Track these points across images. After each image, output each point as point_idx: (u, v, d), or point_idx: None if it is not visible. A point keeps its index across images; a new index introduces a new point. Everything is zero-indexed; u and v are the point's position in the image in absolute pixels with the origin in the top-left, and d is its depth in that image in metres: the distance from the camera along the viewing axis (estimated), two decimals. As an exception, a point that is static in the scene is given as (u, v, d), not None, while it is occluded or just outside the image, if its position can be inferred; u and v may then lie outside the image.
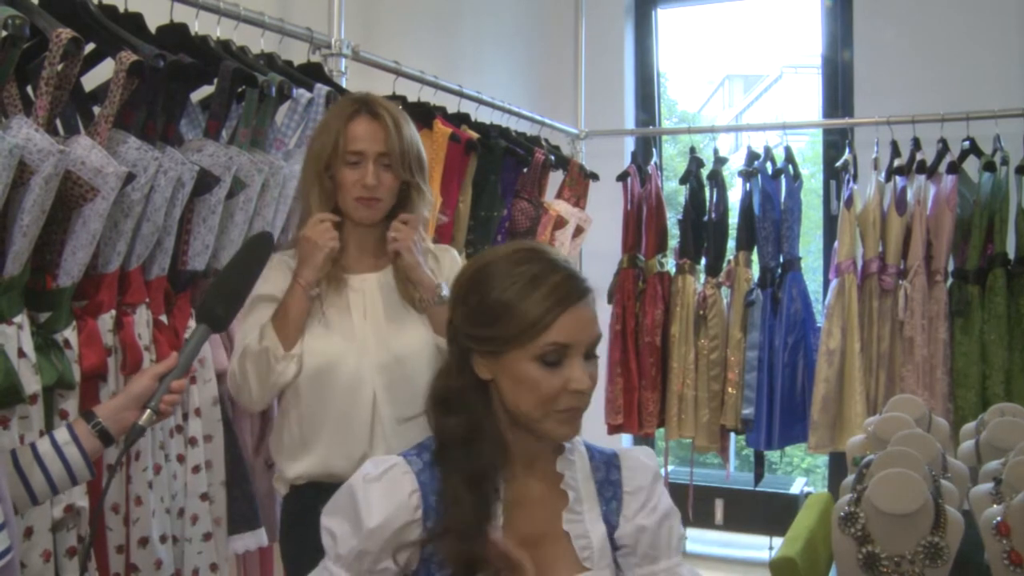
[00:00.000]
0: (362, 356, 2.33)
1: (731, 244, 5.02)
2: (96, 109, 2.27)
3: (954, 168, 4.42)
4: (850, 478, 2.79)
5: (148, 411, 1.75)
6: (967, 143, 4.49)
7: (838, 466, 5.00)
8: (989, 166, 4.34)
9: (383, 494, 1.60)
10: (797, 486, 5.50)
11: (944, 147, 4.51)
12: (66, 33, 2.02)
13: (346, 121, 2.33)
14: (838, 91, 5.20)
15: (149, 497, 2.30)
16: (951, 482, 2.69)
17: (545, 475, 1.69)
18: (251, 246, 1.96)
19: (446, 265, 2.50)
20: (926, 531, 2.37)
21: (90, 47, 2.26)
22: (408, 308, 2.39)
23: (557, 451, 1.71)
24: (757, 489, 5.02)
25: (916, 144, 4.56)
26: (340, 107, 2.39)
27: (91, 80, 2.39)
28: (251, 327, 2.35)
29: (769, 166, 4.88)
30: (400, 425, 2.34)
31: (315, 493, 2.33)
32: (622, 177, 5.19)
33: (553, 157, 4.43)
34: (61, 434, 1.74)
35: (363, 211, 2.36)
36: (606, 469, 1.72)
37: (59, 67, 2.05)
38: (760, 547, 5.28)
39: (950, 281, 4.50)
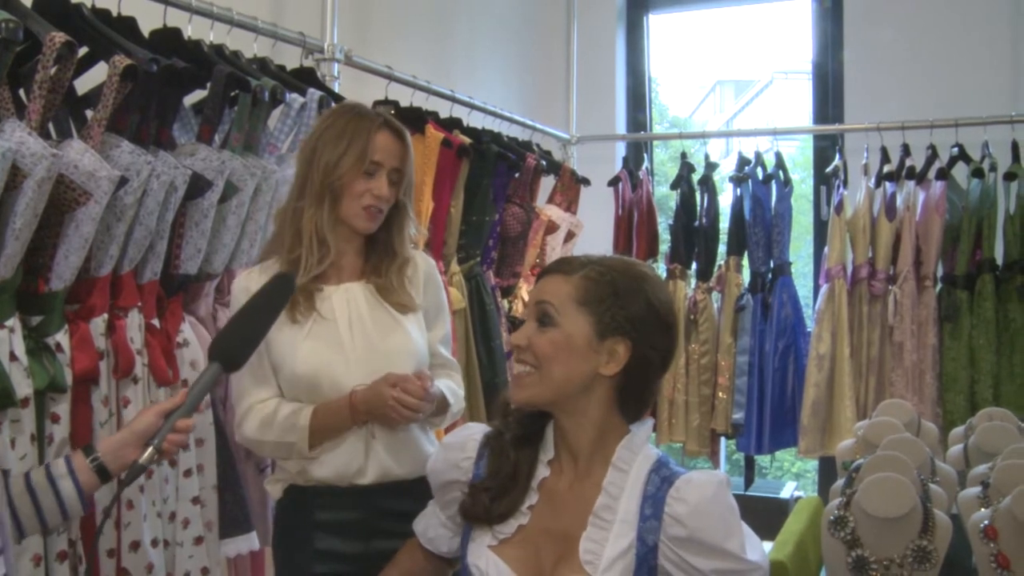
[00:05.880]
0: (350, 365, 2.31)
1: (722, 249, 5.02)
2: (89, 113, 2.26)
3: (943, 174, 4.43)
4: (840, 482, 2.79)
5: (150, 449, 1.68)
6: (956, 149, 4.51)
7: (828, 470, 4.99)
8: (977, 172, 4.35)
9: (444, 450, 1.91)
10: (787, 490, 5.48)
11: (933, 153, 4.52)
12: (59, 37, 2.02)
13: (374, 133, 2.32)
14: (829, 97, 5.21)
15: (140, 501, 2.29)
16: (940, 486, 2.69)
17: (592, 476, 1.74)
18: (272, 288, 1.93)
19: (421, 275, 2.48)
20: (915, 535, 2.37)
21: (83, 51, 2.25)
22: (393, 314, 2.38)
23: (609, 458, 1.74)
24: (747, 493, 5.02)
25: (906, 150, 4.57)
26: (357, 119, 2.35)
27: (84, 84, 2.38)
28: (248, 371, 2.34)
29: (760, 171, 4.87)
30: (394, 430, 2.34)
31: (310, 498, 2.34)
32: (613, 182, 5.21)
33: (545, 162, 4.43)
34: (57, 466, 1.70)
35: (367, 221, 2.35)
36: (659, 484, 1.69)
37: (52, 71, 2.05)
38: (750, 551, 5.26)
39: (939, 286, 4.51)
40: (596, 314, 1.70)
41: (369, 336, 2.34)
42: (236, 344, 1.81)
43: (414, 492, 2.18)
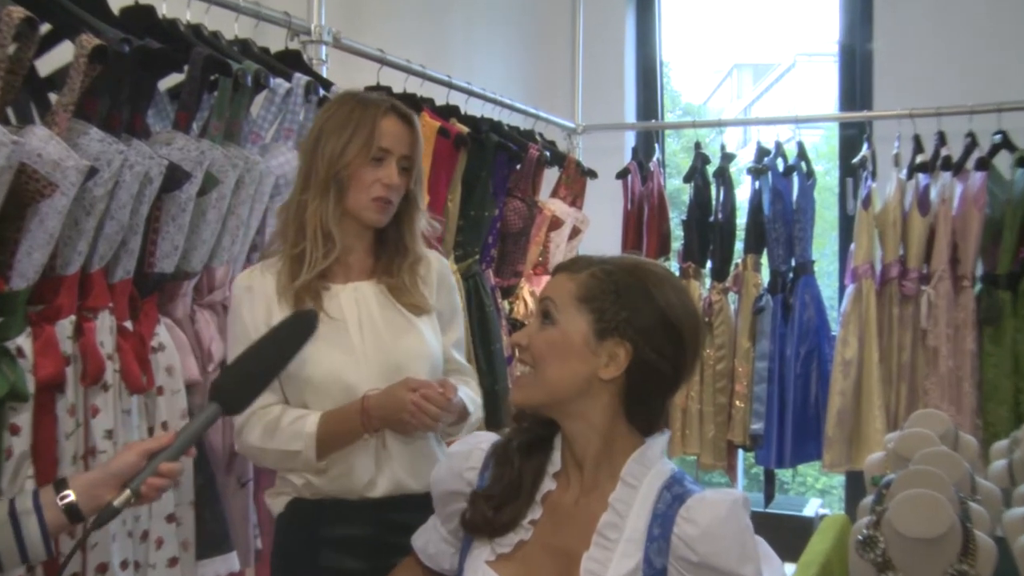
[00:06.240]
0: (361, 368, 2.32)
1: (739, 246, 5.03)
2: (53, 97, 2.24)
3: (984, 164, 4.39)
4: (869, 499, 2.78)
5: (127, 491, 1.63)
6: (998, 137, 4.46)
7: (855, 486, 4.97)
8: (1022, 162, 4.32)
9: (449, 459, 1.93)
10: (811, 508, 5.49)
11: (972, 141, 4.48)
12: (18, 12, 1.99)
13: (379, 118, 2.34)
14: (856, 81, 5.19)
15: (109, 520, 2.27)
16: (981, 505, 2.67)
17: (598, 491, 1.74)
18: (290, 327, 1.91)
19: (434, 274, 2.49)
20: (953, 558, 2.35)
21: (45, 28, 2.21)
22: (406, 315, 2.39)
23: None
24: (767, 511, 5.02)
25: (941, 138, 4.54)
26: (362, 105, 2.37)
27: (47, 64, 2.34)
28: None
29: (780, 162, 4.88)
30: (409, 440, 2.35)
31: (316, 512, 2.35)
32: (622, 174, 5.21)
33: (548, 153, 4.43)
34: (22, 501, 1.64)
35: (377, 213, 2.36)
36: (670, 502, 1.69)
37: (11, 49, 2.02)
38: (771, 573, 5.25)
39: (978, 287, 4.48)
40: (596, 313, 1.71)
41: (381, 338, 2.35)
42: (241, 386, 1.78)
43: (428, 506, 2.16)
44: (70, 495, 1.64)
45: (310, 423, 2.27)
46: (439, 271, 2.51)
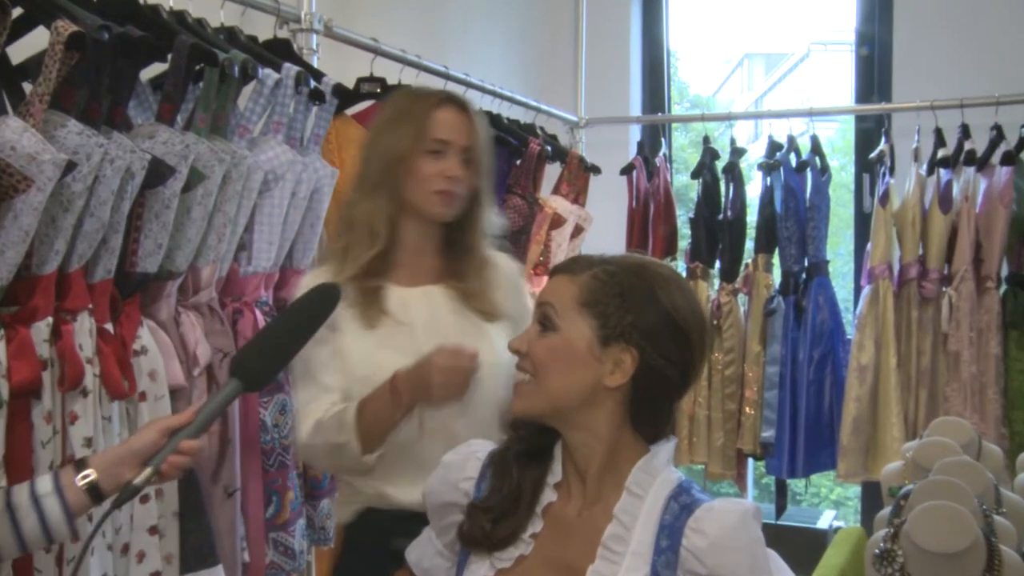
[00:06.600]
0: None
1: (749, 246, 5.02)
2: (28, 86, 2.22)
3: (1010, 159, 4.37)
4: (886, 511, 2.78)
5: (148, 469, 1.67)
6: (1027, 129, 4.44)
7: (872, 497, 4.99)
8: (1052, 155, 4.32)
9: (444, 468, 1.89)
10: (825, 520, 5.48)
11: (998, 134, 4.45)
12: (-12, -4, 1.99)
13: (432, 109, 2.35)
14: (874, 71, 5.17)
15: (88, 532, 2.25)
16: (1007, 519, 2.66)
17: (603, 502, 1.73)
18: (313, 299, 1.92)
19: (502, 279, 2.48)
20: (977, 574, 2.34)
21: (17, 12, 2.20)
22: (479, 323, 2.38)
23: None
24: (779, 523, 5.01)
25: (965, 131, 4.52)
26: (414, 98, 2.40)
27: (20, 51, 2.33)
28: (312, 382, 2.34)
29: (793, 158, 4.87)
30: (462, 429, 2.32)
31: (387, 523, 2.33)
32: (627, 170, 5.20)
33: (550, 148, 4.44)
34: (43, 483, 1.67)
35: (441, 206, 2.36)
36: (678, 513, 1.67)
37: (-20, 36, 2.01)
38: (783, 588, 5.24)
39: (1003, 288, 4.46)
40: (600, 318, 1.70)
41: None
42: (262, 360, 1.79)
43: None
44: (91, 474, 1.68)
45: (350, 412, 2.26)
46: (508, 275, 2.50)
